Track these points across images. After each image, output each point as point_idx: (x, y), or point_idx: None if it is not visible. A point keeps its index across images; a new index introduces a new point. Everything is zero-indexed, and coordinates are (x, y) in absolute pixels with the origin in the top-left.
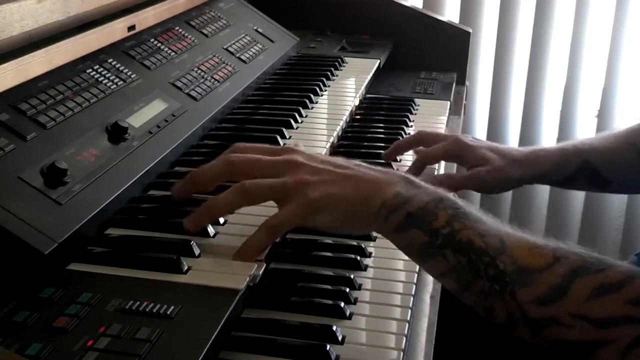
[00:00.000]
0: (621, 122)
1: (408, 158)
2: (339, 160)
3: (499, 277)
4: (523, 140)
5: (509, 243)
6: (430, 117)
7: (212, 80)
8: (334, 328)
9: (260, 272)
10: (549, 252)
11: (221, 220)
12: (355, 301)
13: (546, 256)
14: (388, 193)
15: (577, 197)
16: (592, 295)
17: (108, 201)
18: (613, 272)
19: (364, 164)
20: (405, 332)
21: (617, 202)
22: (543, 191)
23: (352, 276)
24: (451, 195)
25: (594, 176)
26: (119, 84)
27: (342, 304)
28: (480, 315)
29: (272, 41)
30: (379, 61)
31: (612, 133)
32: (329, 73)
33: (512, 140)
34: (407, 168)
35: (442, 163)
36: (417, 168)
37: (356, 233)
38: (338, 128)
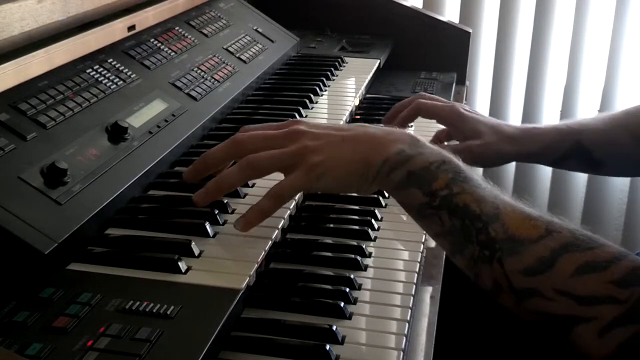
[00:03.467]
0: None
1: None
2: (343, 125)
3: (489, 244)
4: None
5: (504, 211)
6: None
7: (212, 80)
8: (334, 328)
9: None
10: (542, 225)
11: (220, 220)
12: (355, 301)
13: (538, 228)
14: (391, 150)
15: (577, 197)
16: (577, 272)
17: (108, 201)
18: (601, 252)
19: (369, 124)
20: (405, 332)
21: (617, 202)
22: (543, 191)
23: (352, 276)
24: (455, 159)
25: (585, 157)
26: (119, 84)
27: (342, 304)
28: (470, 279)
29: (272, 41)
30: (379, 61)
31: (608, 114)
32: (329, 73)
33: None
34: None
35: None
36: (412, 116)
37: (362, 193)
38: None
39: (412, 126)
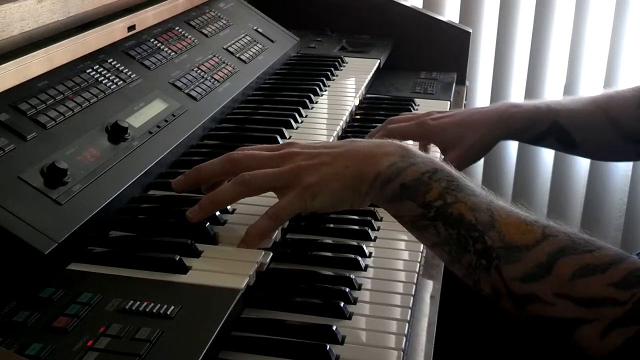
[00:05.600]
0: None
1: None
2: (334, 142)
3: (486, 253)
4: None
5: (499, 218)
6: None
7: (212, 80)
8: (334, 328)
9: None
10: (538, 230)
11: (221, 220)
12: (355, 301)
13: (534, 233)
14: (383, 164)
15: (577, 197)
16: (576, 275)
17: (108, 201)
18: (600, 254)
19: (360, 139)
20: (405, 332)
21: (617, 202)
22: (543, 191)
23: (352, 276)
24: (446, 166)
25: (563, 136)
26: (119, 84)
27: (342, 304)
28: (470, 286)
29: (272, 41)
30: (379, 61)
31: (588, 97)
32: (329, 73)
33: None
34: None
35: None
36: None
37: (356, 207)
38: (338, 128)
39: None
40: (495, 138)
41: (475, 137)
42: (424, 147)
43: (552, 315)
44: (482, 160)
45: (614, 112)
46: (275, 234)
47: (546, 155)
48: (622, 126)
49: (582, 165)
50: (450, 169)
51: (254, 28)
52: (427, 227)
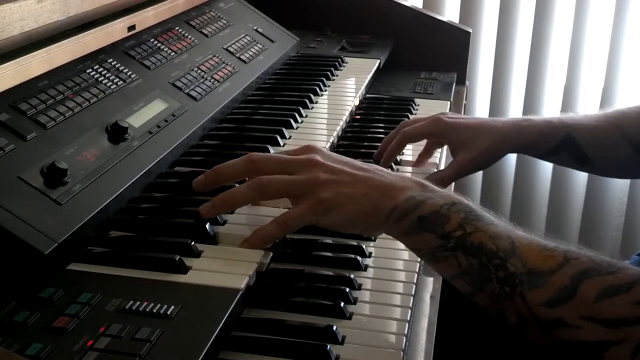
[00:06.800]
0: None
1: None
2: (357, 162)
3: (509, 280)
4: None
5: (520, 245)
6: None
7: (212, 80)
8: (334, 328)
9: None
10: (559, 254)
11: (220, 220)
12: (355, 301)
13: (556, 258)
14: (400, 197)
15: (577, 197)
16: (601, 296)
17: (108, 201)
18: (622, 274)
19: (382, 167)
20: (405, 332)
21: (617, 202)
22: (543, 191)
23: (352, 276)
24: (464, 199)
25: (575, 152)
26: (119, 84)
27: (342, 304)
28: (494, 316)
29: (272, 41)
30: (379, 61)
31: (601, 113)
32: (329, 73)
33: None
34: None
35: (444, 158)
36: (399, 146)
37: (366, 234)
38: (338, 128)
39: (403, 154)
40: (505, 148)
41: (487, 143)
42: (438, 145)
43: (580, 339)
44: None
45: (627, 127)
46: None
47: None
48: (635, 142)
49: None
50: (468, 202)
51: (254, 28)
52: (447, 258)
